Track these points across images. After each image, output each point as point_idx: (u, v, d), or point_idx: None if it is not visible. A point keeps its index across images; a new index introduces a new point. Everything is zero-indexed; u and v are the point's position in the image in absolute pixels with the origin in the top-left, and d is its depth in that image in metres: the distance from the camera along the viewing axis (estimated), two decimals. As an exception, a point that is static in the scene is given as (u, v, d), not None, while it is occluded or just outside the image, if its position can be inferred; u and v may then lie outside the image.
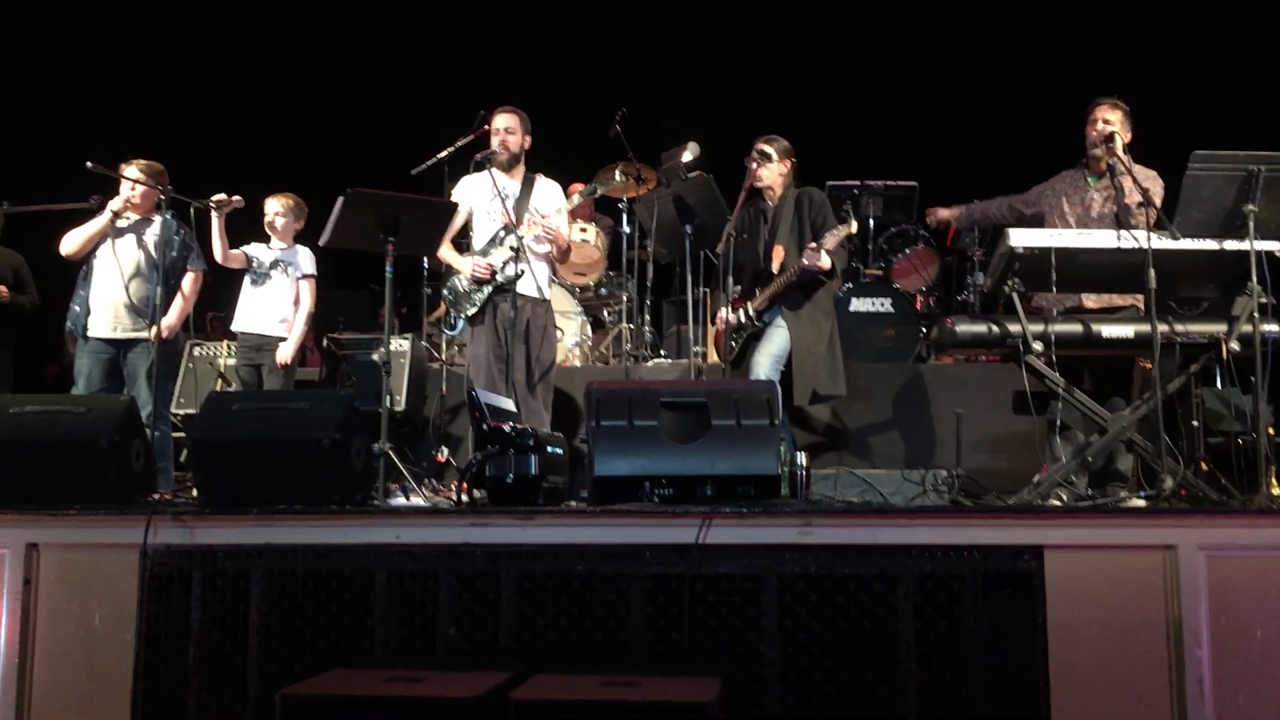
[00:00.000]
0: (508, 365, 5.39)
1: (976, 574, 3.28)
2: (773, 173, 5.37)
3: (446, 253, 5.54)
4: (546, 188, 5.73)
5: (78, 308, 5.47)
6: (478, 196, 5.61)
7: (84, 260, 5.51)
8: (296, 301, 5.90)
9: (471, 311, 5.52)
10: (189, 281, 5.59)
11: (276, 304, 5.85)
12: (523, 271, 5.37)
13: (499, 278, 5.45)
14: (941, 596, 3.28)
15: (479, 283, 5.49)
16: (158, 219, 5.48)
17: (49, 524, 3.60)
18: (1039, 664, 3.22)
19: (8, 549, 3.58)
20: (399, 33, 9.30)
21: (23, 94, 8.68)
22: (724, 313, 5.34)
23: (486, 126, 5.71)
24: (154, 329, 5.11)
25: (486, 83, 7.35)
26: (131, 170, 5.44)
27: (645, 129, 7.04)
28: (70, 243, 5.47)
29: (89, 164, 5.08)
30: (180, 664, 3.49)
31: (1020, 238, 4.32)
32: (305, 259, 5.93)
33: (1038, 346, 4.32)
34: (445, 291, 5.69)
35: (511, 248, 5.38)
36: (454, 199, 5.61)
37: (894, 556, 3.31)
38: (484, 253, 5.53)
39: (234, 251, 5.81)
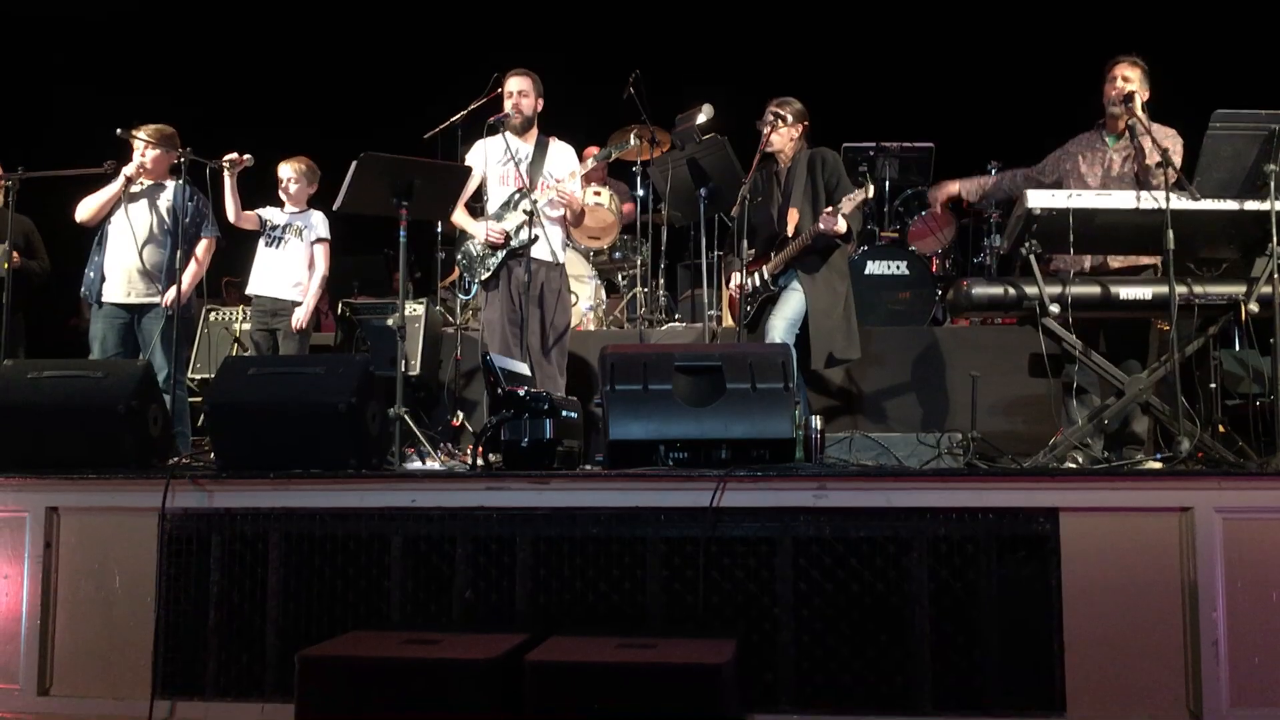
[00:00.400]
0: (522, 329, 5.39)
1: (991, 537, 3.28)
2: (784, 137, 5.30)
3: (460, 217, 5.53)
4: (560, 151, 5.70)
5: (92, 273, 5.49)
6: (491, 160, 5.59)
7: (99, 226, 5.52)
8: (311, 266, 5.90)
9: (485, 276, 5.51)
10: (203, 248, 5.59)
11: (291, 268, 5.84)
12: (537, 236, 5.37)
13: (513, 242, 5.44)
14: (956, 560, 3.28)
15: (493, 247, 5.48)
16: (171, 184, 5.50)
17: (68, 488, 3.62)
18: (1053, 627, 3.22)
19: (28, 513, 3.61)
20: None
21: (35, 64, 8.66)
22: (737, 277, 5.32)
23: (499, 89, 5.68)
24: (168, 293, 5.13)
25: (500, 44, 7.30)
26: (144, 134, 5.44)
27: (660, 91, 6.98)
28: (85, 209, 5.49)
29: (118, 130, 5.12)
30: (200, 626, 3.52)
31: (1038, 199, 4.28)
32: (319, 222, 5.91)
33: (1054, 309, 4.29)
34: (459, 256, 5.68)
35: (525, 211, 5.37)
36: (467, 163, 5.61)
37: (908, 520, 3.31)
38: (498, 217, 5.51)
39: (247, 212, 5.80)
